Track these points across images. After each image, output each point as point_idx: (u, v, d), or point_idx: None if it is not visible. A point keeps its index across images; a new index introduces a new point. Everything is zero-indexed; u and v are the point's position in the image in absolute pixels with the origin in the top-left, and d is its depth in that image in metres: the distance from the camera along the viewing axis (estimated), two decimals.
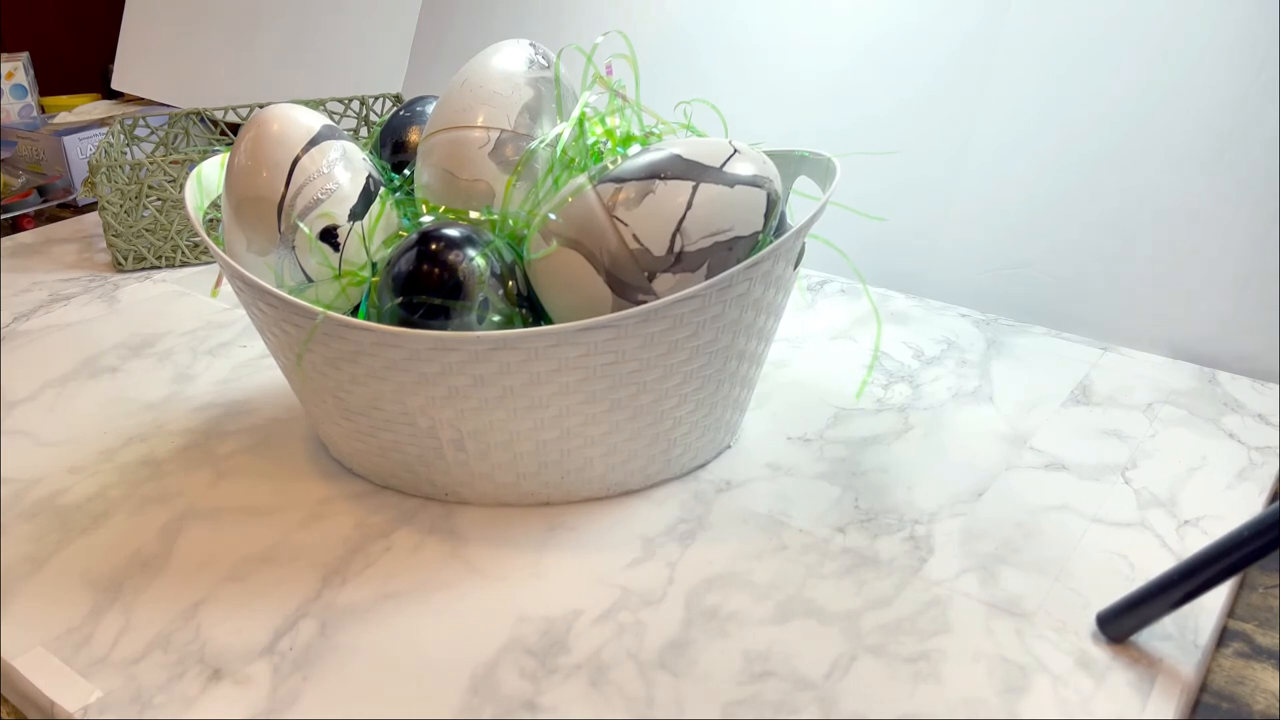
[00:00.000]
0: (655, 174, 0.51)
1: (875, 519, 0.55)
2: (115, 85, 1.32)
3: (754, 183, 0.52)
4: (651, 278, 0.51)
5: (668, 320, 0.50)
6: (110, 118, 1.17)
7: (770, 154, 0.56)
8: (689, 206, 0.51)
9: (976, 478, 0.58)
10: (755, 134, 0.60)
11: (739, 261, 0.51)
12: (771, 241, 0.53)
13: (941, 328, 0.76)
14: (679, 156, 0.52)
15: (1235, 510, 0.55)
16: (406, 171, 0.63)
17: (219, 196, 0.60)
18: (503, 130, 0.56)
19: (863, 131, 0.83)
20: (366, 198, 0.56)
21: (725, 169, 0.52)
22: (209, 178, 0.63)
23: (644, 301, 0.51)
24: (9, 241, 0.97)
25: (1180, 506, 0.55)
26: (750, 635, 0.47)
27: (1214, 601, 0.48)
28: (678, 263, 0.51)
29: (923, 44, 0.80)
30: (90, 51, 1.45)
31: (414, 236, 0.52)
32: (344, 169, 0.56)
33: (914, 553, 0.52)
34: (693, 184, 0.51)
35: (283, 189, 0.54)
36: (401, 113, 0.67)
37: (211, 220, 0.68)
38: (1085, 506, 0.56)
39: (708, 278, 0.51)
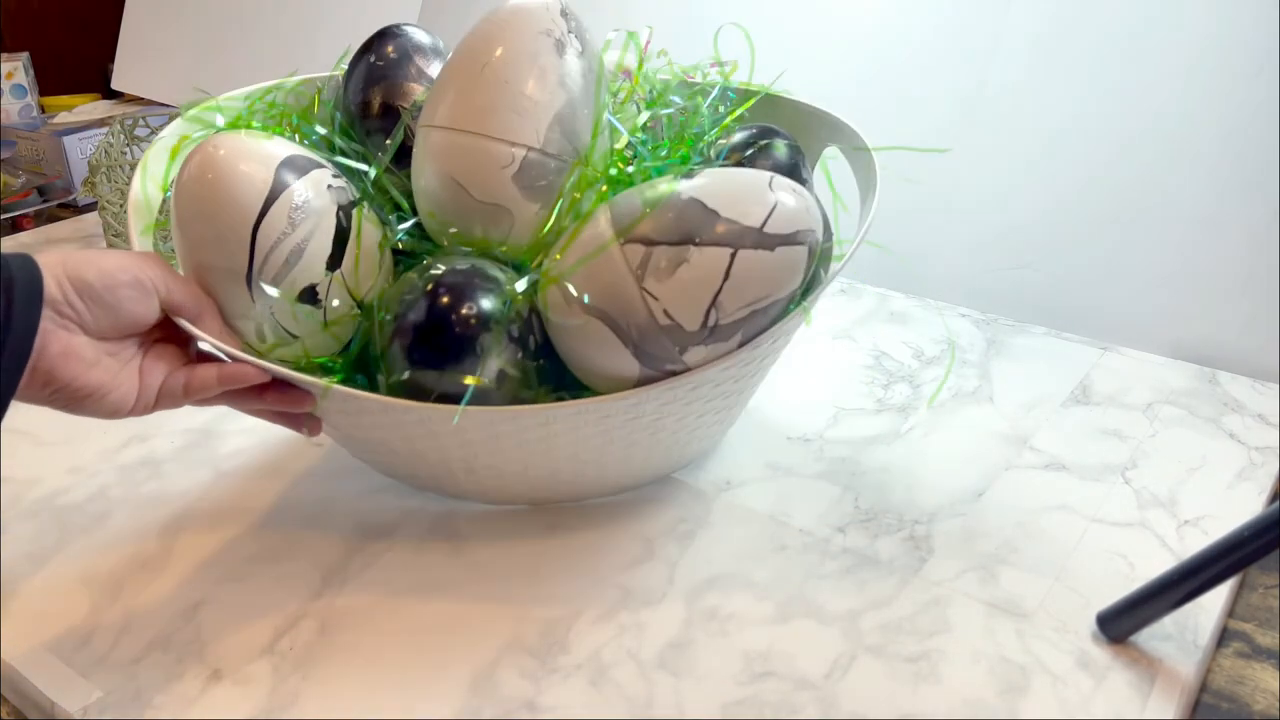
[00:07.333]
0: (689, 238, 0.45)
1: (875, 519, 0.55)
2: (115, 85, 1.32)
3: (795, 240, 0.47)
4: (683, 351, 0.47)
5: (693, 382, 0.48)
6: (110, 118, 1.17)
7: (804, 111, 0.51)
8: (726, 277, 0.45)
9: (976, 478, 0.58)
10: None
11: (773, 323, 0.48)
12: (803, 302, 0.49)
13: (941, 328, 0.76)
14: (716, 214, 0.46)
15: (1235, 510, 0.55)
16: (388, 141, 0.54)
17: (164, 216, 0.53)
18: (529, 149, 0.49)
19: (862, 131, 0.83)
20: (341, 240, 0.49)
21: (766, 229, 0.46)
22: (144, 200, 0.54)
23: (673, 372, 0.47)
24: (9, 241, 0.97)
25: (1180, 506, 0.55)
26: (750, 635, 0.47)
27: (1214, 601, 0.48)
28: (711, 335, 0.46)
29: (922, 44, 0.80)
30: (90, 51, 1.45)
31: (421, 290, 0.47)
32: (312, 215, 0.48)
33: (914, 553, 0.52)
34: (731, 250, 0.45)
35: (247, 260, 0.47)
36: (374, 61, 0.54)
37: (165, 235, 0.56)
38: (1085, 506, 0.55)
39: (740, 344, 0.47)
